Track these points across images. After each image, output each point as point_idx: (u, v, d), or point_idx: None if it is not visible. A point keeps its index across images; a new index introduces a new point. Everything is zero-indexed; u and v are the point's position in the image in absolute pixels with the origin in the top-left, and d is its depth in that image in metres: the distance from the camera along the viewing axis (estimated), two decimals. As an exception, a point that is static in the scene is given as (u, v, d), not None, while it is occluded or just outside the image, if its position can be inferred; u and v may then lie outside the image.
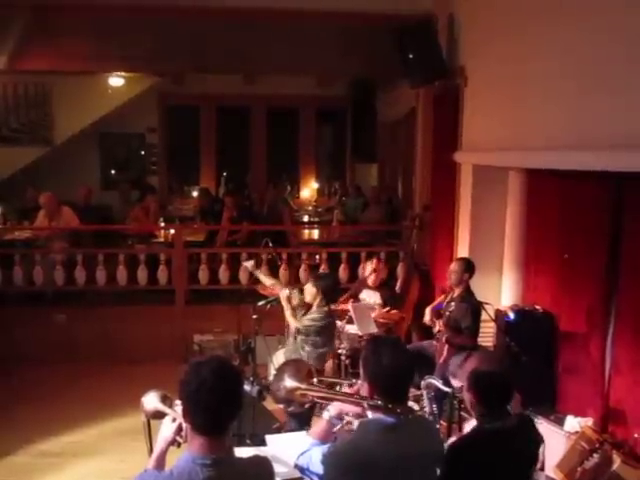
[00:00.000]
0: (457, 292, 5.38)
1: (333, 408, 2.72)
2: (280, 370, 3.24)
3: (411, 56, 6.49)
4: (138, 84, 10.69)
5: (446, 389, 4.14)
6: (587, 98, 3.97)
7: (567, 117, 4.22)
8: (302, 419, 4.59)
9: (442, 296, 5.86)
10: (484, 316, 5.26)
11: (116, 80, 10.35)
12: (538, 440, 3.13)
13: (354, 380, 2.85)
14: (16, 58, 7.26)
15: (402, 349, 2.70)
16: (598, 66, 3.83)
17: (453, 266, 5.44)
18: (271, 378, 5.33)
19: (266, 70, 9.39)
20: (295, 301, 5.44)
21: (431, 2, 6.86)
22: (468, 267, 5.36)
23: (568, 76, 4.17)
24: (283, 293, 5.46)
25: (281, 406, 4.03)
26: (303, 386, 3.04)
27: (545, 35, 4.50)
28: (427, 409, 4.14)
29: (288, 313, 5.37)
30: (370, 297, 6.67)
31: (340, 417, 2.71)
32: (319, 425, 2.77)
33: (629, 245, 4.32)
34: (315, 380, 3.10)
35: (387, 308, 6.55)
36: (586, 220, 4.82)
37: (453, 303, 5.31)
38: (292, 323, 5.34)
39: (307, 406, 3.17)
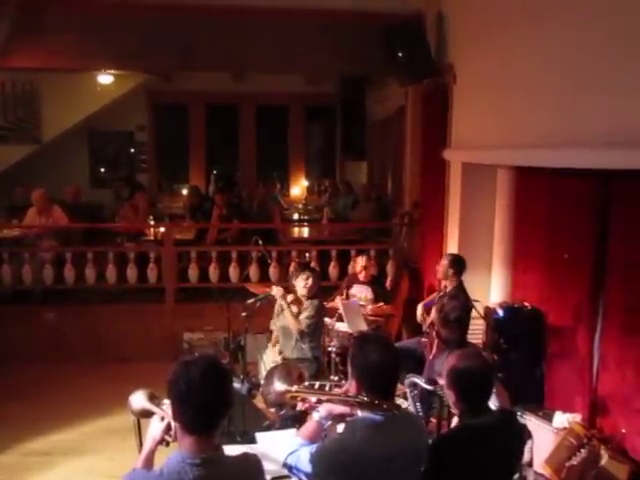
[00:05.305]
0: (450, 288, 5.41)
1: (323, 409, 2.72)
2: (270, 374, 3.24)
3: (400, 54, 6.49)
4: (127, 82, 10.62)
5: (428, 387, 4.08)
6: (576, 96, 3.97)
7: (556, 115, 4.23)
8: (294, 419, 4.58)
9: (434, 293, 5.89)
10: (473, 313, 5.28)
11: (105, 78, 10.27)
12: (522, 435, 3.11)
13: (343, 381, 2.85)
14: (3, 56, 7.21)
15: (389, 346, 2.72)
16: (587, 64, 3.83)
17: (441, 261, 5.55)
18: (261, 376, 5.32)
19: (254, 69, 9.37)
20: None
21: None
22: (453, 264, 5.42)
23: (557, 74, 4.18)
24: (278, 291, 5.33)
25: (273, 410, 4.01)
26: (293, 389, 3.03)
27: (534, 33, 4.51)
28: (411, 408, 4.13)
29: (287, 313, 5.23)
30: (361, 292, 6.66)
31: (330, 418, 2.71)
32: (308, 425, 2.77)
33: (616, 241, 4.35)
34: (306, 383, 3.10)
35: (378, 303, 6.56)
36: (574, 217, 4.85)
37: (446, 299, 5.33)
38: (294, 325, 5.19)
39: (298, 409, 3.15)
